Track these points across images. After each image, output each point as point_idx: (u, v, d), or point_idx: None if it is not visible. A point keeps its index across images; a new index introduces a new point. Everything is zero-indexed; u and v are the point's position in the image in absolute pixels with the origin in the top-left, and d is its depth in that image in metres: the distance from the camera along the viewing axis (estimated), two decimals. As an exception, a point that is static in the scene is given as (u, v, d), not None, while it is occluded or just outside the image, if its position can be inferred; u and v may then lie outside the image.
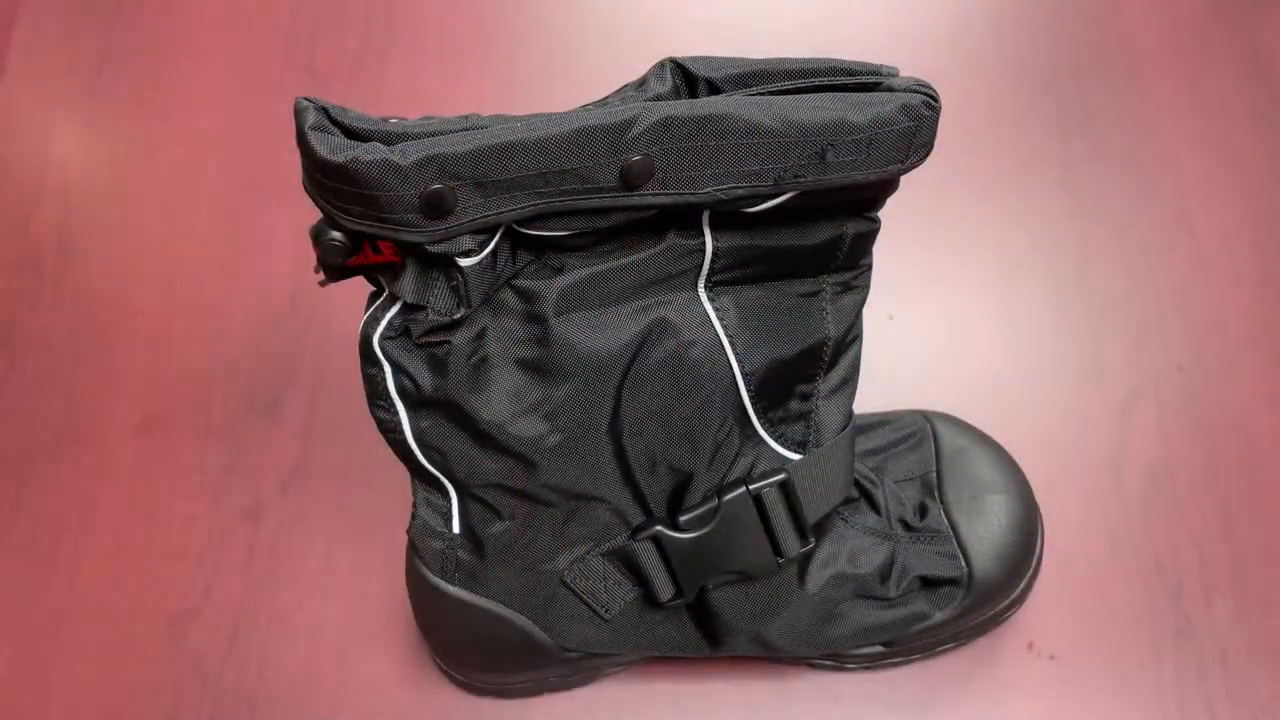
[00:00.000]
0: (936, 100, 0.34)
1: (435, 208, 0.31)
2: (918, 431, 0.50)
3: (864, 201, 0.38)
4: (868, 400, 0.53)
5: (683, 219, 0.36)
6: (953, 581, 0.46)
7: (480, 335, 0.36)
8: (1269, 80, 0.63)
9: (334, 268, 0.35)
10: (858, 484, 0.46)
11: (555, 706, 0.49)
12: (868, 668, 0.49)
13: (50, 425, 0.56)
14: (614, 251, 0.36)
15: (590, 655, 0.46)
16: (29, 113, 0.64)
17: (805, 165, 0.33)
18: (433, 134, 0.32)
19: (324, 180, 0.31)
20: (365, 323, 0.36)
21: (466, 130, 0.32)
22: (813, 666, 0.49)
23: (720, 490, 0.42)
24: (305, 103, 0.32)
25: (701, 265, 0.37)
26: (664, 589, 0.43)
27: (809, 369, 0.41)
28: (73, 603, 0.52)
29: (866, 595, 0.46)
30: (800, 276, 0.39)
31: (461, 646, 0.45)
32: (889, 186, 0.37)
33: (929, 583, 0.46)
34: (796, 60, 0.35)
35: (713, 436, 0.41)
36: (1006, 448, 0.51)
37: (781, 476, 0.42)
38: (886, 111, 0.34)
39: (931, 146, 0.35)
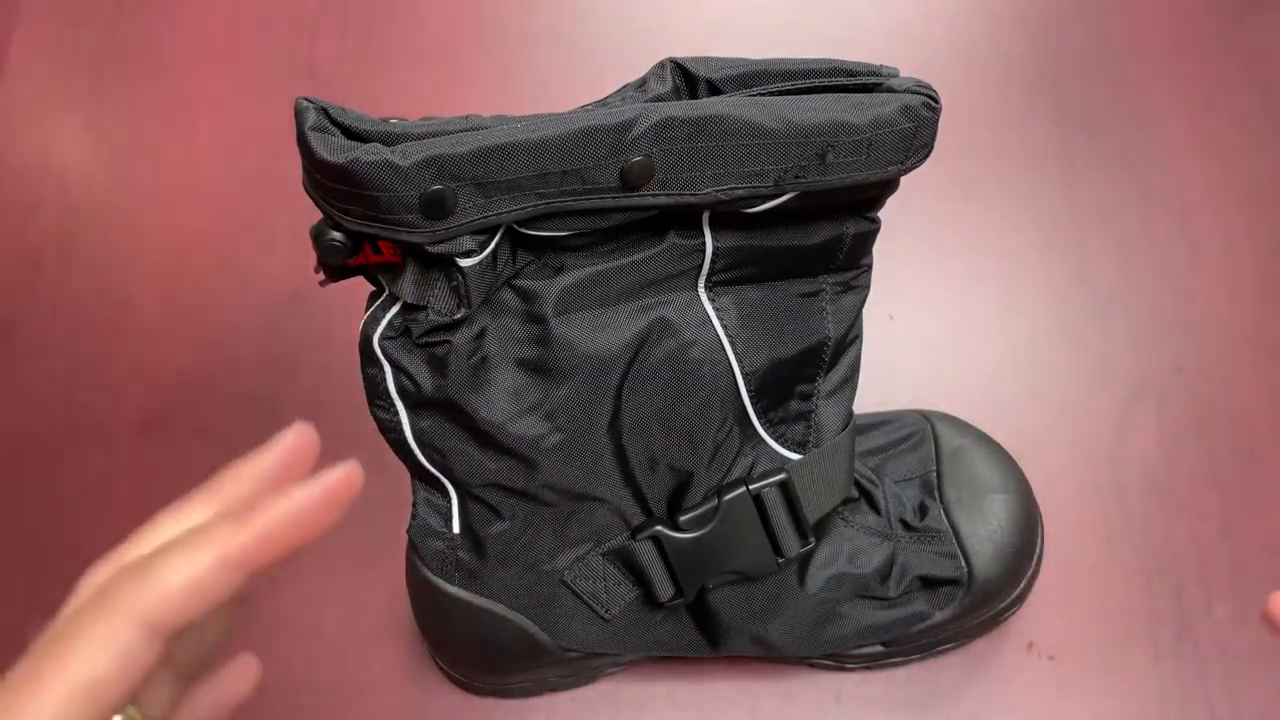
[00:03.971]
0: (937, 101, 0.34)
1: (436, 208, 0.31)
2: (918, 431, 0.50)
3: (864, 202, 0.38)
4: (868, 400, 0.53)
5: (683, 219, 0.36)
6: (953, 581, 0.46)
7: (480, 335, 0.36)
8: (1269, 80, 0.63)
9: (334, 268, 0.35)
10: (858, 484, 0.46)
11: (555, 706, 0.49)
12: (868, 668, 0.49)
13: (50, 425, 0.56)
14: (614, 251, 0.36)
15: (590, 655, 0.46)
16: (29, 113, 0.64)
17: (805, 166, 0.33)
18: (433, 134, 0.32)
19: (324, 181, 0.31)
20: (365, 323, 0.36)
21: (467, 131, 0.32)
22: (813, 666, 0.49)
23: (720, 490, 0.42)
24: (305, 103, 0.32)
25: (701, 265, 0.37)
26: (664, 589, 0.43)
27: (809, 369, 0.41)
28: (73, 603, 0.52)
29: (866, 595, 0.46)
30: (800, 276, 0.39)
31: (461, 646, 0.45)
32: (889, 187, 0.37)
33: (929, 583, 0.46)
34: (797, 61, 0.35)
35: (713, 436, 0.41)
36: (1006, 448, 0.51)
37: (781, 476, 0.42)
38: (887, 112, 0.34)
39: (932, 147, 0.36)
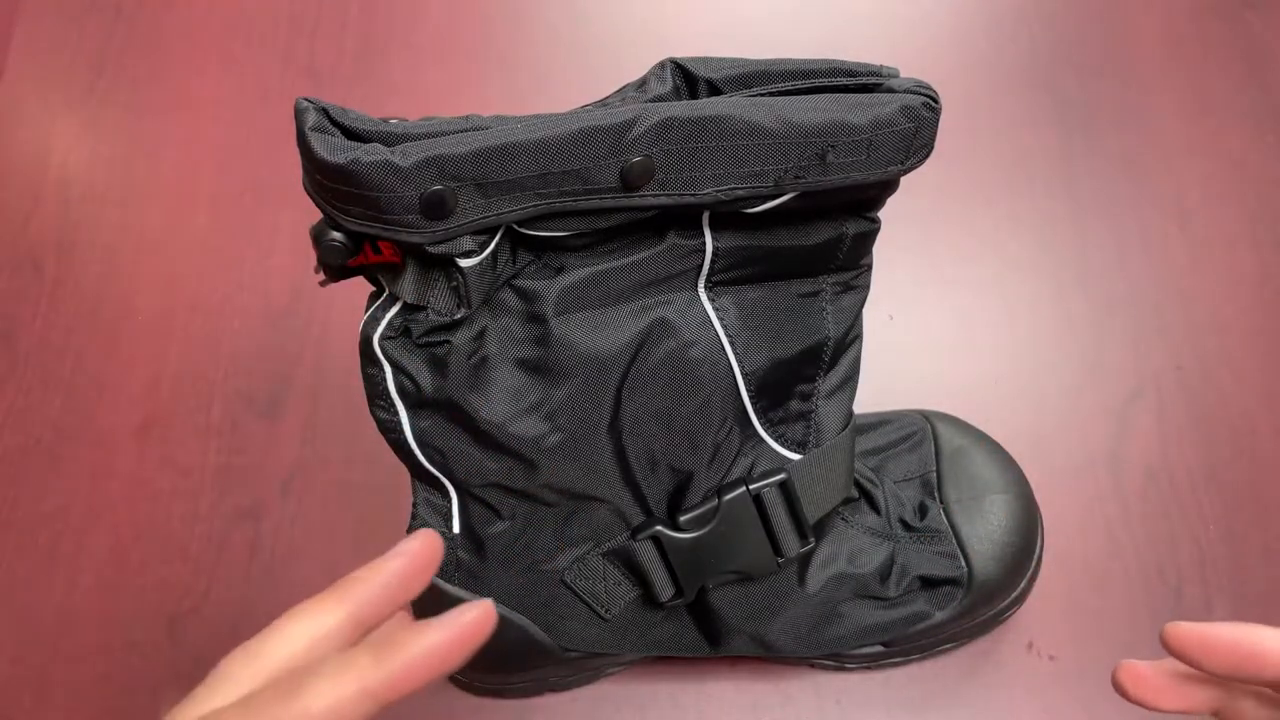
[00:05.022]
0: (937, 101, 0.34)
1: (436, 209, 0.31)
2: (918, 431, 0.50)
3: (864, 202, 0.38)
4: (868, 400, 0.53)
5: (683, 219, 0.36)
6: (953, 581, 0.46)
7: (480, 335, 0.36)
8: (1269, 80, 0.63)
9: (334, 268, 0.35)
10: (858, 484, 0.46)
11: (555, 706, 0.49)
12: (868, 668, 0.49)
13: (50, 425, 0.56)
14: (614, 251, 0.36)
15: (590, 655, 0.46)
16: (29, 113, 0.64)
17: (806, 166, 0.33)
18: (433, 135, 0.32)
19: (324, 181, 0.31)
20: (365, 323, 0.36)
21: (467, 131, 0.32)
22: (813, 666, 0.50)
23: (720, 490, 0.42)
24: (305, 103, 0.32)
25: (701, 265, 0.37)
26: (664, 589, 0.43)
27: (809, 369, 0.41)
28: (73, 603, 0.52)
29: (866, 595, 0.46)
30: (800, 276, 0.39)
31: (462, 646, 0.45)
32: (889, 187, 0.37)
33: (929, 582, 0.46)
34: (797, 61, 0.35)
35: (713, 436, 0.41)
36: (1006, 448, 0.51)
37: (781, 476, 0.42)
38: (887, 113, 0.34)
39: (932, 147, 0.36)
